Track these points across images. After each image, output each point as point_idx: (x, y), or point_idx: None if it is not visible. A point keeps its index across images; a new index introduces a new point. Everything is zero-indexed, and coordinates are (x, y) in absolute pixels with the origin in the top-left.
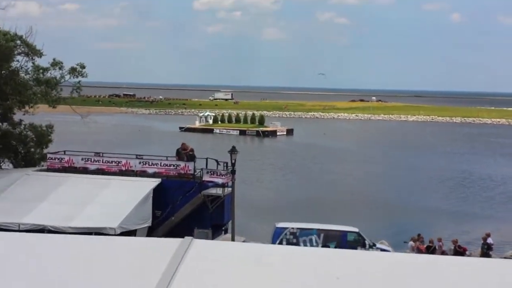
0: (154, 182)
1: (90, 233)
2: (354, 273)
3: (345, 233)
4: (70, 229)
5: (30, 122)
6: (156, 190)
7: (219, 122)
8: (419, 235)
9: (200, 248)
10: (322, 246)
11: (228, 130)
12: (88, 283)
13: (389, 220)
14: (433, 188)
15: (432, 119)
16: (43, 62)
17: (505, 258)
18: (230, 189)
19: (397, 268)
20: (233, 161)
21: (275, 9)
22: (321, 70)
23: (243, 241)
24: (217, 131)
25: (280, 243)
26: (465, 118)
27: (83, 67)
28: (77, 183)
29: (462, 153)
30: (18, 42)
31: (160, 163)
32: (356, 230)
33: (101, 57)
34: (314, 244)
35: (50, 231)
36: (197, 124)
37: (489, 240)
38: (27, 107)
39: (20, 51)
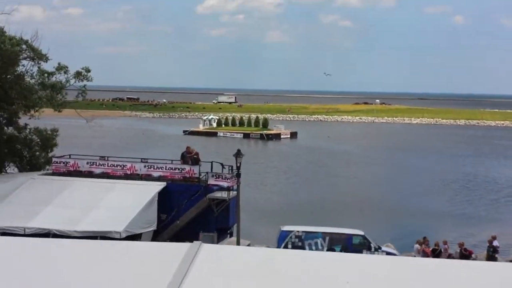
0: (159, 185)
1: (95, 237)
2: (363, 278)
3: (350, 236)
4: (75, 233)
5: (35, 126)
6: (161, 194)
7: (223, 125)
8: (424, 238)
9: (209, 253)
10: (328, 250)
11: (232, 133)
12: (99, 287)
13: (394, 223)
14: (438, 191)
15: (436, 122)
16: (48, 66)
17: (510, 261)
18: (235, 192)
19: (405, 272)
20: (238, 165)
21: (278, 12)
22: (325, 74)
23: (248, 245)
24: (221, 134)
25: (286, 246)
26: (469, 121)
27: (88, 71)
28: (82, 187)
29: (466, 155)
30: (24, 46)
31: (165, 166)
32: (361, 233)
33: (105, 61)
34: (320, 247)
35: (55, 235)
36: (201, 128)
37: (495, 243)
38: (32, 112)
39: (26, 55)
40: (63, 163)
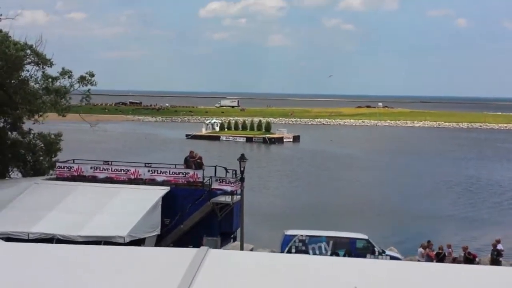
0: (163, 190)
1: (99, 242)
2: (370, 282)
3: (354, 240)
4: (79, 238)
5: (39, 130)
6: (165, 198)
7: (226, 129)
8: (428, 241)
9: (216, 258)
10: (331, 253)
11: (235, 137)
12: None
13: (397, 227)
14: (441, 194)
15: (439, 125)
16: (52, 71)
17: None
18: (239, 196)
19: (411, 277)
20: (242, 169)
21: (281, 16)
22: (327, 77)
23: (251, 249)
24: (224, 138)
25: (289, 250)
26: (472, 124)
27: (92, 75)
28: (86, 192)
29: (469, 158)
30: (28, 51)
31: (169, 171)
32: (365, 237)
33: (107, 65)
34: (324, 251)
35: (59, 240)
36: (203, 132)
37: (499, 246)
38: (36, 116)
39: (30, 60)
40: (67, 168)
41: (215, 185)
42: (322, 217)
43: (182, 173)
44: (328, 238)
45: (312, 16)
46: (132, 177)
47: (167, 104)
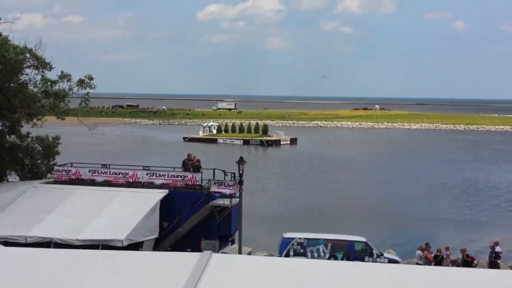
0: (162, 193)
1: (97, 246)
2: (368, 286)
3: (352, 243)
4: (77, 241)
5: (37, 134)
6: (164, 201)
7: (223, 132)
8: (427, 244)
9: (220, 263)
10: (330, 256)
11: (232, 140)
12: None
13: (395, 229)
14: (438, 196)
15: (436, 127)
16: (50, 74)
17: None
18: (237, 199)
19: (411, 281)
20: (240, 172)
21: (279, 19)
22: (324, 80)
23: (249, 252)
24: (221, 140)
25: (288, 253)
26: (469, 126)
27: (91, 78)
28: (84, 195)
29: (466, 160)
30: (28, 55)
31: (167, 174)
32: (363, 239)
33: (105, 68)
34: (322, 254)
35: (57, 243)
36: (200, 134)
37: (497, 249)
38: (35, 120)
39: (29, 64)
40: (65, 171)
41: (214, 188)
42: (319, 219)
43: (181, 176)
44: (326, 241)
45: (310, 19)
46: (130, 180)
47: (164, 107)
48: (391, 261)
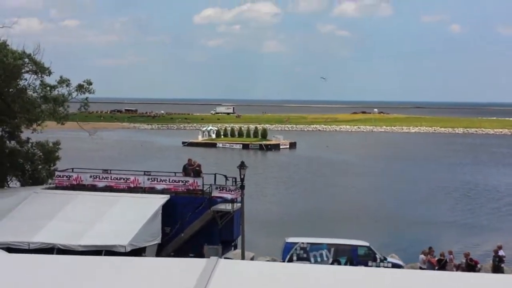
0: (163, 198)
1: (100, 251)
2: None
3: (355, 247)
4: (79, 247)
5: (37, 139)
6: (165, 207)
7: (222, 136)
8: (430, 248)
9: (227, 268)
10: (333, 261)
11: (231, 144)
12: None
13: (397, 233)
14: (437, 200)
15: (434, 130)
16: (49, 79)
17: None
18: (239, 204)
19: (415, 286)
20: (242, 176)
21: (275, 22)
22: (322, 83)
23: (252, 257)
24: (220, 145)
25: (291, 258)
26: (467, 129)
27: (90, 83)
28: (85, 201)
29: (465, 164)
30: (26, 60)
31: (169, 179)
32: (366, 244)
33: (102, 72)
34: (325, 258)
35: (59, 249)
36: (200, 139)
37: (501, 253)
38: (34, 125)
39: (28, 69)
40: (66, 176)
41: (215, 193)
42: (319, 223)
43: (182, 181)
44: (330, 246)
45: (306, 22)
46: (132, 185)
47: (162, 112)
48: (394, 265)
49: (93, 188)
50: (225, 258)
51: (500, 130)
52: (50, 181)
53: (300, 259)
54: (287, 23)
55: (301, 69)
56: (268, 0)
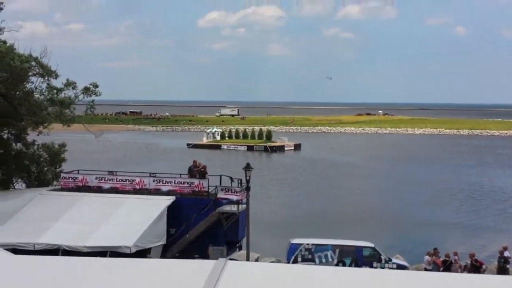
0: (169, 200)
1: (105, 252)
2: None
3: (360, 248)
4: (85, 248)
5: (43, 141)
6: (171, 208)
7: (227, 138)
8: (435, 249)
9: (234, 270)
10: (338, 262)
11: (236, 146)
12: None
13: (401, 235)
14: (443, 202)
15: (439, 132)
16: (56, 82)
17: None
18: (244, 205)
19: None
20: (247, 178)
21: (280, 26)
22: (326, 85)
23: (257, 258)
24: (225, 147)
25: (295, 259)
26: (472, 130)
27: (96, 86)
28: (91, 203)
29: (470, 165)
30: (33, 63)
31: (174, 180)
32: (371, 245)
33: (107, 75)
34: (330, 260)
35: (65, 250)
36: (204, 140)
37: (506, 254)
38: (41, 128)
39: (35, 72)
40: (72, 178)
41: (221, 195)
42: (323, 225)
43: (187, 183)
44: (334, 247)
45: (311, 25)
46: (137, 187)
47: (167, 114)
48: (399, 266)
49: (98, 189)
50: (230, 259)
51: (505, 131)
52: (55, 182)
53: (305, 260)
54: (291, 26)
55: (305, 72)
56: (273, 3)
